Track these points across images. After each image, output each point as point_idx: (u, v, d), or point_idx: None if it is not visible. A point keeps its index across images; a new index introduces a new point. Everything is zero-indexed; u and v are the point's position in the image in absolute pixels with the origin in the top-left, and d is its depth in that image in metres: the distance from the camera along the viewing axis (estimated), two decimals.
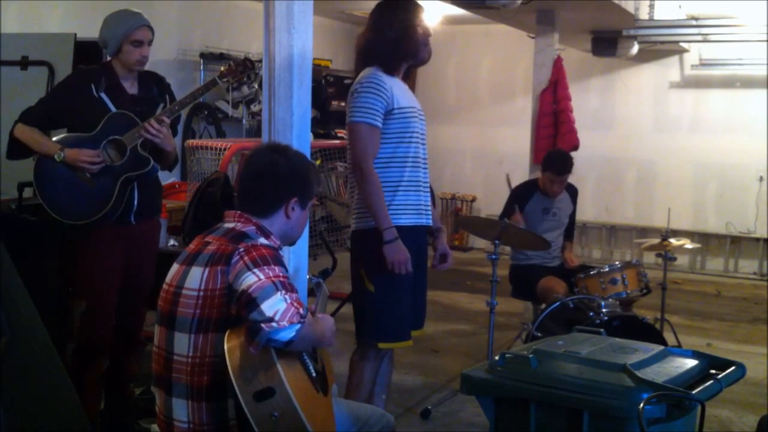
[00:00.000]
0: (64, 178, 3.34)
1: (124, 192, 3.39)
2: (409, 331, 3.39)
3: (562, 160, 5.27)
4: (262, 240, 2.38)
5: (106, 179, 3.36)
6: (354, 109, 3.26)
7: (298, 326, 2.13)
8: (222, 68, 3.66)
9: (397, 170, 3.30)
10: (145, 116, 3.42)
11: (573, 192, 5.46)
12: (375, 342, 3.35)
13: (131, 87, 3.49)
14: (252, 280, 2.19)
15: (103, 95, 3.40)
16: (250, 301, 2.15)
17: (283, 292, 2.17)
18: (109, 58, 3.50)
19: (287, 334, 2.12)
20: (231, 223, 2.44)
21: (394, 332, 3.34)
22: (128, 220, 3.46)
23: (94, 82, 3.40)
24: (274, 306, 2.13)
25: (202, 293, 2.28)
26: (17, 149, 3.41)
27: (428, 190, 3.45)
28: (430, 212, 3.44)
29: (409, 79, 3.50)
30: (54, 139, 3.41)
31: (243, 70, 3.64)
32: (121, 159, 3.37)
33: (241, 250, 2.28)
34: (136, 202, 3.45)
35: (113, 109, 3.40)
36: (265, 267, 2.22)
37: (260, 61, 3.40)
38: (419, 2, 3.42)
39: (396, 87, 3.32)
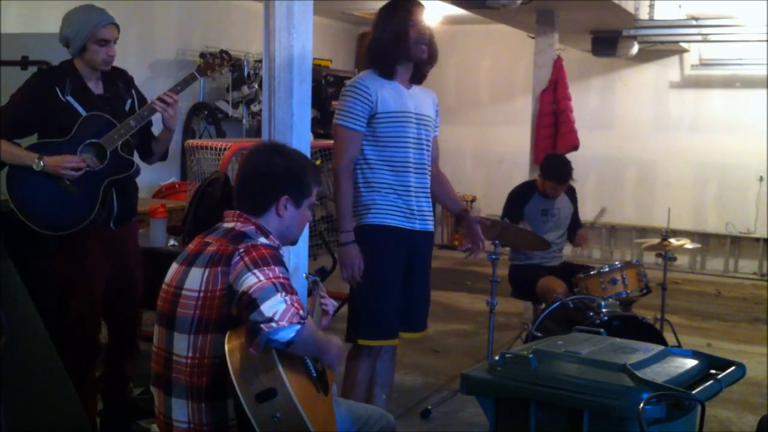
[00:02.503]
0: (43, 187, 3.19)
1: (106, 197, 3.30)
2: (394, 330, 3.41)
3: (564, 169, 5.20)
4: (262, 240, 2.37)
5: (88, 185, 3.23)
6: (337, 112, 3.35)
7: (298, 327, 2.13)
8: (199, 63, 3.64)
9: (380, 172, 3.35)
10: (115, 115, 3.31)
11: (570, 192, 5.45)
12: (355, 338, 3.40)
13: (96, 87, 3.36)
14: (252, 281, 2.18)
15: (70, 99, 3.26)
16: (251, 302, 2.14)
17: (284, 293, 2.16)
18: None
19: (287, 335, 2.11)
20: (230, 223, 2.43)
21: (375, 330, 3.37)
22: (108, 226, 3.37)
23: (59, 85, 3.26)
24: (274, 307, 2.12)
25: (202, 294, 2.27)
26: None
27: (426, 195, 3.47)
28: (427, 218, 3.46)
29: (420, 82, 3.51)
30: (26, 147, 3.25)
31: (220, 63, 3.62)
32: (100, 163, 3.25)
33: (242, 250, 2.27)
34: (115, 207, 3.37)
35: (83, 112, 3.26)
36: (265, 268, 2.22)
37: (260, 60, 3.40)
38: (420, 2, 3.42)
39: (389, 90, 3.34)
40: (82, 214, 3.25)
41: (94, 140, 3.26)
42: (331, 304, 2.72)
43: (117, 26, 3.31)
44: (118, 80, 3.44)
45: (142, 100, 3.50)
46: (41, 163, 3.17)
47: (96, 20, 3.24)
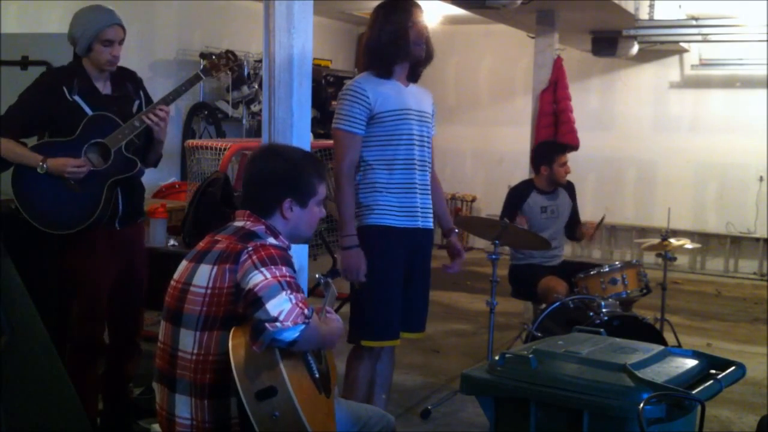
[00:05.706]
0: (47, 187, 3.20)
1: (110, 196, 3.30)
2: (396, 330, 3.42)
3: (556, 142, 5.95)
4: (271, 240, 2.39)
5: (92, 185, 3.24)
6: (335, 116, 3.36)
7: (302, 327, 2.13)
8: (204, 63, 3.65)
9: (382, 172, 3.35)
10: (122, 115, 3.31)
11: (570, 187, 5.47)
12: (358, 339, 3.40)
13: (104, 87, 3.37)
14: (259, 278, 2.19)
15: (77, 98, 3.27)
16: (256, 300, 2.15)
17: (289, 291, 2.17)
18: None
19: (291, 335, 2.12)
20: (241, 221, 2.45)
21: (377, 330, 3.38)
22: (114, 226, 3.37)
23: (66, 84, 3.27)
24: (279, 306, 2.13)
25: (209, 291, 2.28)
26: None
27: (428, 192, 3.47)
28: (429, 215, 3.47)
29: (416, 80, 3.51)
30: (32, 146, 3.26)
31: (225, 63, 3.62)
32: (104, 162, 3.26)
33: (250, 249, 2.28)
34: (121, 207, 3.37)
35: (89, 112, 3.27)
36: (272, 266, 2.23)
37: (260, 60, 3.40)
38: (418, 2, 3.42)
39: (388, 90, 3.34)
40: (85, 213, 3.26)
41: (98, 140, 3.26)
42: (336, 321, 2.68)
43: (123, 27, 3.32)
44: (127, 81, 3.46)
45: (149, 101, 3.50)
46: (45, 166, 3.19)
47: (101, 21, 3.25)
